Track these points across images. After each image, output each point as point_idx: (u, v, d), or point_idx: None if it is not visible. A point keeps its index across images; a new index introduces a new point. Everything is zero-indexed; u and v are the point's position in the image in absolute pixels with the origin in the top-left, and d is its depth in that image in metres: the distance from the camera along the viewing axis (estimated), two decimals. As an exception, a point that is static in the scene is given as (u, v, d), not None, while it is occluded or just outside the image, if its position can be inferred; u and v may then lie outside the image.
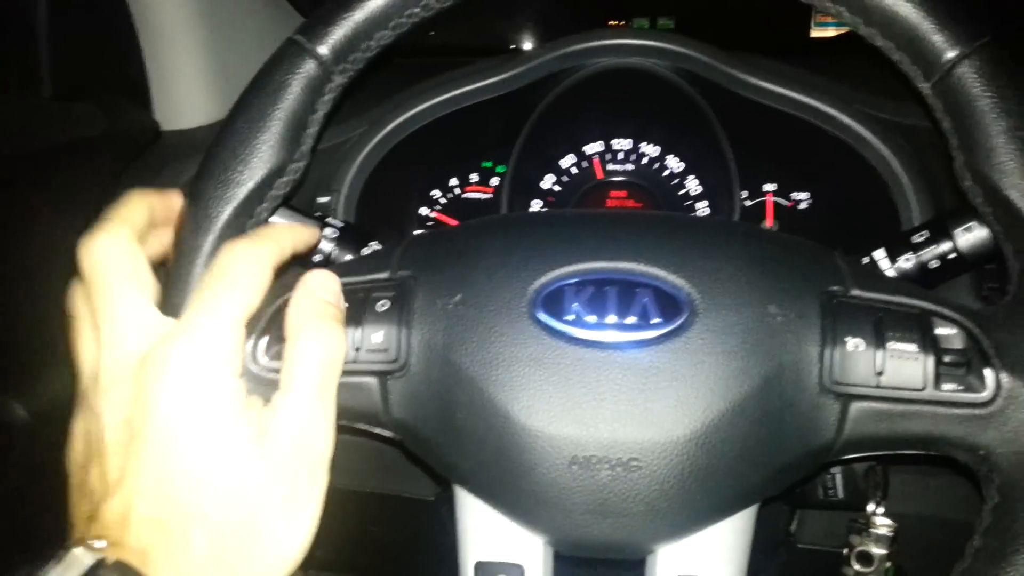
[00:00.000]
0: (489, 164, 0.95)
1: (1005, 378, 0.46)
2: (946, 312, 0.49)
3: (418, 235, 0.60)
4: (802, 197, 0.93)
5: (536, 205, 0.96)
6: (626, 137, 0.94)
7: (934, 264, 0.65)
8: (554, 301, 0.49)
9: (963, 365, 0.47)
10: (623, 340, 0.48)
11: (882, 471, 0.69)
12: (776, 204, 0.93)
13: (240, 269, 0.47)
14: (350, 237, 0.66)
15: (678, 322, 0.48)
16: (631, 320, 0.48)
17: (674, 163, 0.94)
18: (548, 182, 0.95)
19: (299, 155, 0.52)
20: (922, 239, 0.65)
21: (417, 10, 0.52)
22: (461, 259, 0.52)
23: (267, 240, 0.50)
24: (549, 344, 0.48)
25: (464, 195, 0.97)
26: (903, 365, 0.47)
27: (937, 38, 0.50)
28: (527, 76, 0.81)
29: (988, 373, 0.47)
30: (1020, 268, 0.50)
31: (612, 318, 0.48)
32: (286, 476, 0.44)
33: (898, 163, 0.75)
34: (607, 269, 0.50)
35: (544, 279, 0.50)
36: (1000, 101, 0.49)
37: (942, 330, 0.49)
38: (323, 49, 0.51)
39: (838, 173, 0.83)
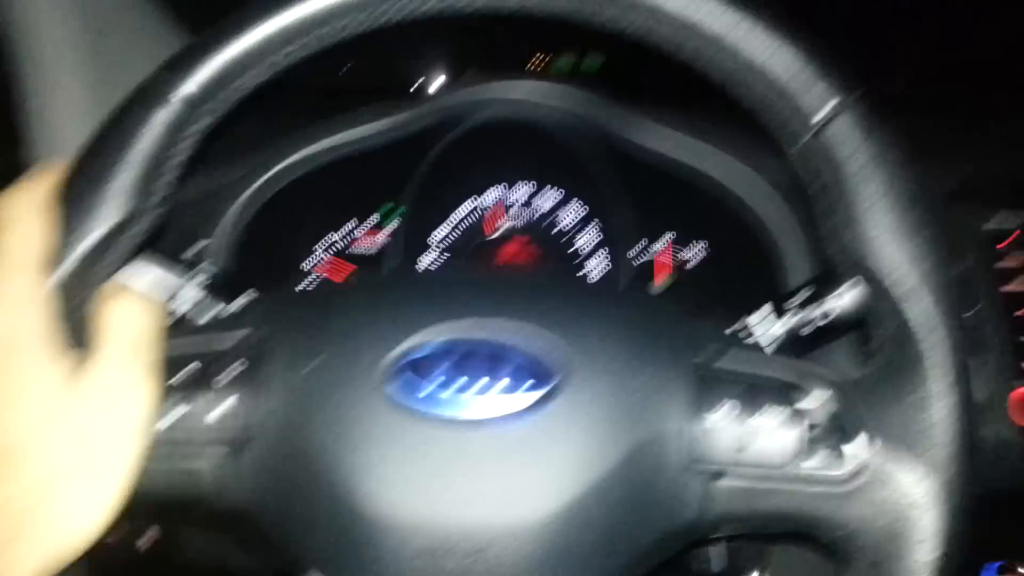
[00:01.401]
0: (384, 212, 0.93)
1: (869, 453, 0.46)
2: (811, 384, 0.49)
3: (279, 294, 0.57)
4: (693, 255, 0.94)
5: (430, 256, 0.94)
6: (522, 188, 0.94)
7: (809, 329, 0.66)
8: (411, 372, 0.46)
9: (827, 440, 0.47)
10: (482, 416, 0.45)
11: (761, 544, 0.68)
12: (667, 261, 0.94)
13: (14, 217, 0.44)
14: (222, 285, 0.62)
15: (542, 395, 0.46)
16: (493, 392, 0.46)
17: (569, 217, 0.94)
18: (442, 233, 0.94)
19: (154, 203, 0.48)
20: (798, 303, 0.66)
21: (294, 49, 0.48)
22: (319, 322, 0.49)
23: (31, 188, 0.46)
24: (401, 420, 0.45)
25: (356, 244, 0.95)
26: (766, 440, 0.47)
27: (805, 98, 0.49)
28: (416, 123, 0.79)
29: (852, 448, 0.46)
30: (886, 335, 0.50)
31: (473, 391, 0.45)
32: (89, 436, 0.41)
33: (779, 223, 0.75)
34: (471, 337, 0.48)
35: (402, 347, 0.46)
36: (866, 165, 0.49)
37: (807, 403, 0.48)
38: (189, 86, 0.46)
39: (727, 232, 0.84)
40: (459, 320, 0.48)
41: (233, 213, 0.77)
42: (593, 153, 0.81)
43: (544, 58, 1.09)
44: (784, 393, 0.48)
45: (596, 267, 0.94)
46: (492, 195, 0.94)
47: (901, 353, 0.49)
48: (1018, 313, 0.72)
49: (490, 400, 0.45)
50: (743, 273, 0.86)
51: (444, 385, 0.45)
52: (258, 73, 0.49)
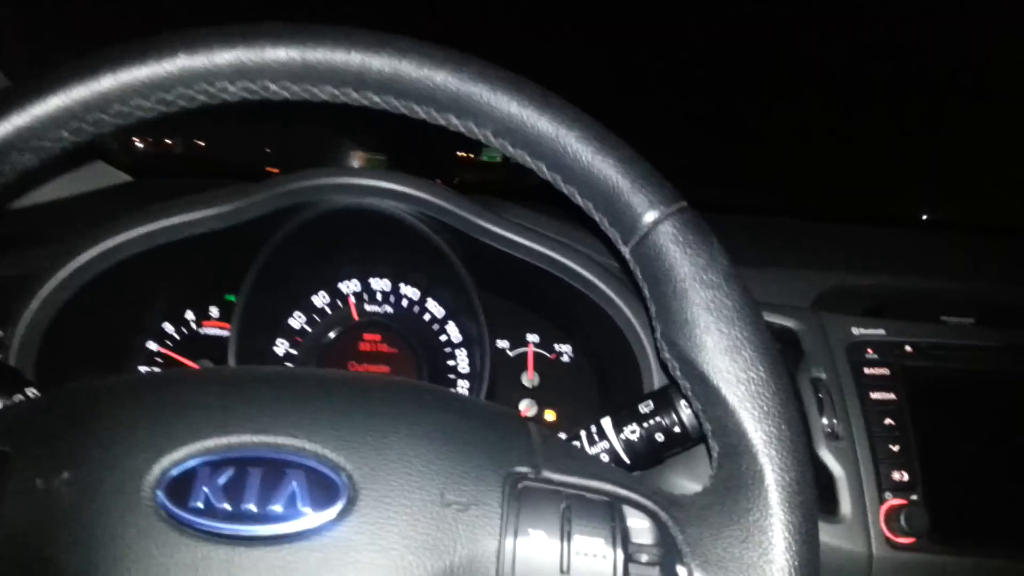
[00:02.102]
0: (233, 298, 0.86)
1: None
2: (639, 500, 0.44)
3: (24, 400, 0.49)
4: (564, 349, 0.90)
5: (283, 345, 0.87)
6: (384, 277, 0.89)
7: (659, 437, 0.61)
8: (182, 484, 0.40)
9: (653, 564, 0.41)
10: (262, 533, 0.40)
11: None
12: (539, 355, 0.89)
13: None
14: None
15: (331, 512, 0.40)
16: (275, 508, 0.40)
17: (434, 308, 0.89)
18: (298, 320, 0.88)
19: None
20: (648, 410, 0.62)
21: (67, 135, 0.45)
22: (74, 429, 0.42)
23: None
24: (168, 538, 0.39)
25: (202, 330, 0.88)
26: (589, 563, 0.41)
27: (634, 201, 0.47)
28: (250, 211, 0.73)
29: (680, 572, 0.41)
30: (719, 451, 0.46)
31: (251, 507, 0.40)
32: None
33: (637, 322, 0.72)
34: (252, 445, 0.42)
35: (172, 456, 0.41)
36: (697, 271, 0.46)
37: (634, 521, 0.43)
38: None
39: (595, 327, 0.80)
40: (243, 425, 0.42)
41: (37, 301, 0.68)
42: (451, 241, 0.77)
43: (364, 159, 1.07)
44: (611, 509, 0.43)
45: (463, 359, 0.88)
46: (351, 284, 0.88)
47: (738, 469, 0.44)
48: (887, 422, 0.69)
49: (271, 519, 0.40)
50: (617, 371, 0.81)
51: (221, 499, 0.40)
52: (24, 159, 0.45)
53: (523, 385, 0.88)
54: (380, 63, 0.47)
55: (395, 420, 0.44)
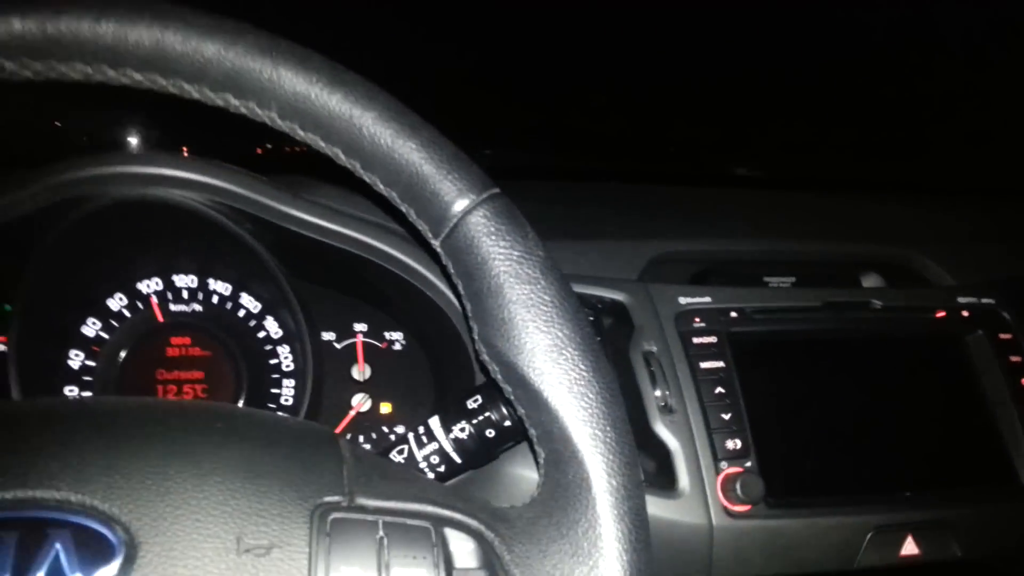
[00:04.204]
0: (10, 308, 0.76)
1: None
2: (462, 520, 0.40)
3: None
4: (395, 337, 0.85)
5: (78, 357, 0.78)
6: (189, 273, 0.80)
7: (490, 433, 0.58)
8: None
9: None
10: None
11: None
12: (369, 346, 0.84)
13: None
14: None
15: (106, 574, 0.34)
16: None
17: (249, 303, 0.82)
18: (92, 328, 0.78)
19: None
20: (475, 406, 0.58)
21: None
22: None
23: None
24: None
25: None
26: None
27: (441, 189, 0.43)
28: (16, 209, 0.64)
29: None
30: (545, 458, 0.43)
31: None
32: None
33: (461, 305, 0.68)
34: (3, 503, 0.35)
35: None
36: (512, 264, 0.42)
37: (458, 544, 0.40)
38: None
39: (422, 312, 0.75)
40: None
41: None
42: (260, 234, 0.70)
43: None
44: (431, 533, 0.39)
45: (286, 355, 0.82)
46: (152, 283, 0.80)
47: (564, 477, 0.41)
48: (717, 390, 0.69)
49: None
50: (452, 358, 0.77)
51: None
52: None
53: (354, 379, 0.83)
54: (138, 35, 0.40)
55: (179, 457, 0.38)
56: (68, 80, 0.41)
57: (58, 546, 0.35)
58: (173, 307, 0.81)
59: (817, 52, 1.06)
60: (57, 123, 0.92)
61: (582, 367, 0.42)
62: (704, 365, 0.70)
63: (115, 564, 0.34)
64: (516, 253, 0.43)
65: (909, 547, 0.70)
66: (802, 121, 1.12)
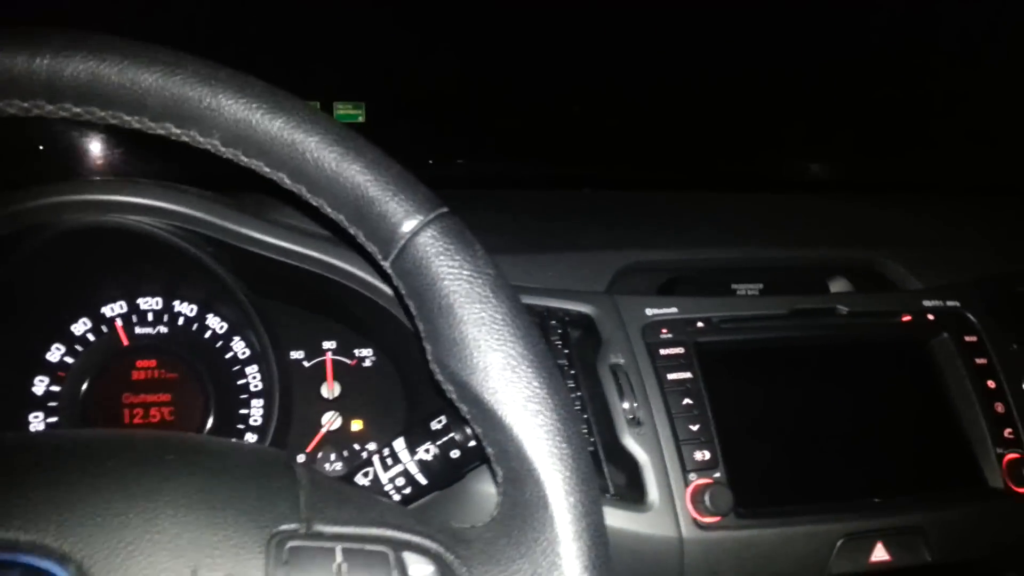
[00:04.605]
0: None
1: None
2: (420, 543, 0.40)
3: None
4: (365, 353, 0.84)
5: (43, 383, 0.77)
6: (154, 295, 0.80)
7: (455, 453, 0.58)
8: None
9: None
10: None
11: None
12: (338, 363, 0.83)
13: None
14: None
15: None
16: None
17: (215, 323, 0.81)
18: (56, 353, 0.77)
19: None
20: (440, 426, 0.58)
21: None
22: None
23: None
24: None
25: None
26: None
27: (388, 210, 0.42)
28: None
29: None
30: (502, 477, 0.43)
31: None
32: None
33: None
34: None
35: None
36: (462, 283, 0.42)
37: (417, 568, 0.39)
38: None
39: (387, 328, 0.75)
40: None
41: None
42: (221, 256, 0.69)
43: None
44: (390, 558, 0.39)
45: (255, 375, 0.81)
46: (117, 307, 0.79)
47: (522, 496, 0.41)
48: (685, 401, 0.69)
49: None
50: (417, 367, 0.77)
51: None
52: None
53: (324, 397, 0.82)
54: (73, 68, 0.39)
55: (130, 492, 0.38)
56: (4, 116, 0.40)
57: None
58: (138, 330, 0.80)
59: (781, 51, 1.06)
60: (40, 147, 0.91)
61: (536, 384, 0.41)
62: (671, 376, 0.70)
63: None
64: (466, 272, 0.42)
65: (880, 553, 0.70)
66: (768, 122, 1.12)
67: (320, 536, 0.39)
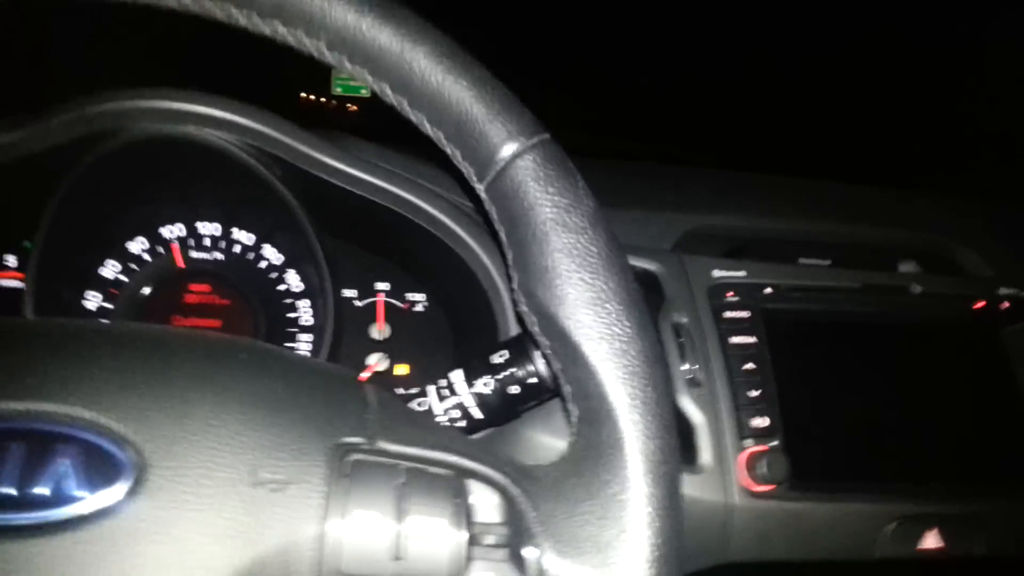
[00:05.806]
0: (31, 245, 0.74)
1: (550, 561, 0.36)
2: (487, 473, 0.39)
3: None
4: (418, 299, 0.83)
5: (95, 299, 0.77)
6: (213, 220, 0.79)
7: (514, 389, 0.56)
8: None
9: (500, 546, 0.37)
10: (21, 523, 0.32)
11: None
12: (390, 305, 0.83)
13: None
14: None
15: (112, 494, 0.33)
16: (41, 492, 0.32)
17: (272, 254, 0.80)
18: (111, 270, 0.77)
19: None
20: (501, 360, 0.57)
21: None
22: None
23: None
24: None
25: (-6, 281, 0.76)
26: (426, 547, 0.35)
27: (490, 131, 0.41)
28: (42, 141, 0.62)
29: (529, 554, 0.36)
30: (578, 416, 0.41)
31: (10, 490, 0.32)
32: None
33: (492, 265, 0.66)
34: (11, 414, 0.34)
35: None
36: (559, 212, 0.41)
37: (481, 496, 0.38)
38: None
39: (448, 272, 0.74)
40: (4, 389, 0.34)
41: None
42: (286, 178, 0.68)
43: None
44: (453, 484, 0.37)
45: (306, 310, 0.80)
46: (175, 229, 0.78)
47: (598, 437, 0.40)
48: (747, 366, 0.67)
49: (35, 505, 0.33)
50: (471, 315, 0.76)
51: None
52: None
53: (372, 338, 0.82)
54: None
55: (198, 382, 0.37)
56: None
57: (66, 461, 0.33)
58: (194, 254, 0.79)
59: (867, 48, 1.04)
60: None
61: (625, 323, 0.40)
62: (735, 340, 0.68)
63: (122, 485, 0.33)
64: (565, 201, 0.41)
65: (932, 540, 0.68)
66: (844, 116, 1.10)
67: (384, 453, 0.38)
